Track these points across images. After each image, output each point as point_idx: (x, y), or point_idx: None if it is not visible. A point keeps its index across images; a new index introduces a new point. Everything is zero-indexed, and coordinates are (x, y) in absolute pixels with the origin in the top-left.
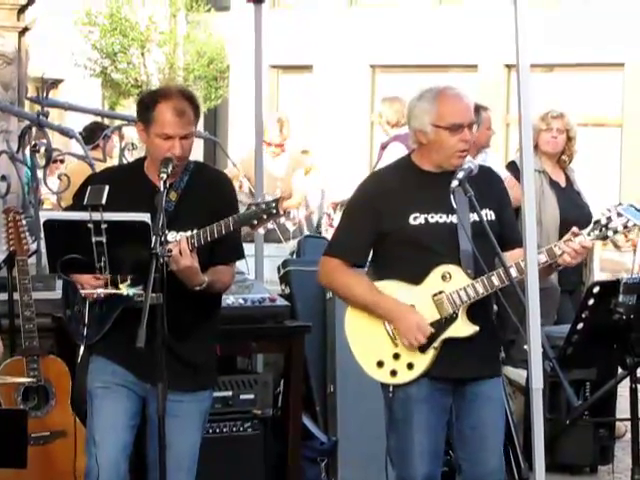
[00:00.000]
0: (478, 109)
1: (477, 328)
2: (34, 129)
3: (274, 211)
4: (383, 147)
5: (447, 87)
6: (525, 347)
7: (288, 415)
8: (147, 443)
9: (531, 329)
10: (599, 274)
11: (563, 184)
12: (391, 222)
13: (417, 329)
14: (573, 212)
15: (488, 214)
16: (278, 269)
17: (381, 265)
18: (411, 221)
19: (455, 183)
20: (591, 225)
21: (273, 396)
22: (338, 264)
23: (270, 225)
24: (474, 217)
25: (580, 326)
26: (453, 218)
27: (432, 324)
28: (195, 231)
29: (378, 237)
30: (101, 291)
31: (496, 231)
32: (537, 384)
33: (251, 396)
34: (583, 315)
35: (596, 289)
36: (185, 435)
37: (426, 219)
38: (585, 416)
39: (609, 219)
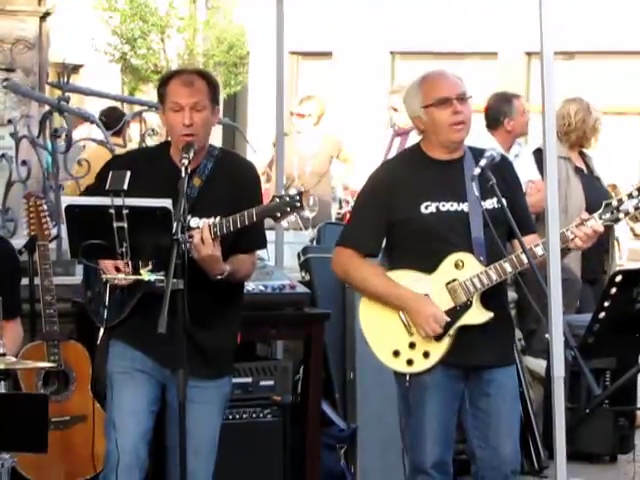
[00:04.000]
0: (510, 98)
1: (492, 314)
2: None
3: (298, 204)
4: (399, 134)
5: (431, 70)
6: (546, 336)
7: (307, 402)
8: (166, 429)
9: (553, 316)
10: (628, 264)
11: (585, 171)
12: (402, 211)
13: (433, 319)
14: (597, 198)
15: (498, 202)
16: (298, 256)
17: (394, 254)
18: (422, 210)
19: (477, 171)
20: (602, 208)
21: (292, 383)
22: (352, 254)
23: (292, 218)
24: (492, 204)
25: (602, 315)
26: (464, 206)
27: (446, 312)
28: (218, 220)
29: (390, 227)
30: (122, 277)
31: (507, 219)
32: (559, 373)
33: (271, 383)
34: (605, 304)
35: (618, 278)
36: (204, 421)
37: (437, 207)
38: (605, 405)
39: (620, 201)
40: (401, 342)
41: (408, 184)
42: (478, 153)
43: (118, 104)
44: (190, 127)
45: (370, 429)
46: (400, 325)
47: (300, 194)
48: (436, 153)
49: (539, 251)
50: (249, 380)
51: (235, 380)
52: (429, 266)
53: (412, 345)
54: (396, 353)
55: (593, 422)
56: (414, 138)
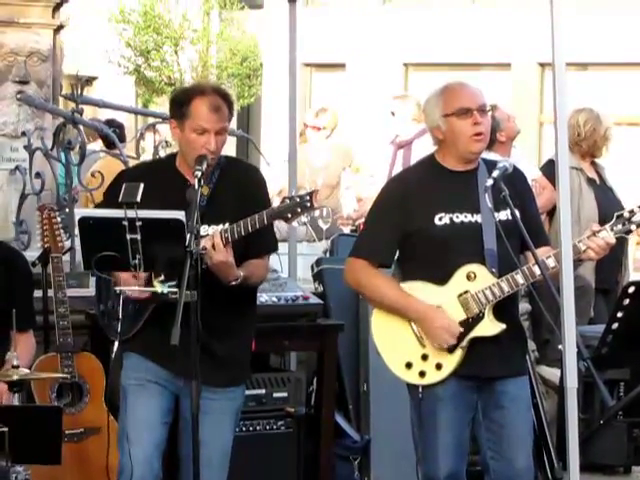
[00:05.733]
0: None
1: (504, 326)
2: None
3: (308, 204)
4: (400, 146)
5: (452, 81)
6: (560, 347)
7: (321, 413)
8: (180, 440)
9: (566, 328)
10: (633, 274)
11: (598, 181)
12: (416, 223)
13: (446, 331)
14: (610, 209)
15: (511, 213)
16: (311, 267)
17: (407, 265)
18: (436, 221)
19: (490, 182)
20: (614, 219)
21: (306, 394)
22: (364, 265)
23: (304, 218)
24: (505, 215)
25: (615, 326)
26: (478, 217)
27: (459, 324)
28: (227, 225)
29: (403, 238)
30: (136, 289)
31: (521, 230)
32: (572, 383)
33: (284, 394)
34: (618, 315)
35: (631, 289)
36: (217, 432)
37: (451, 219)
38: (619, 416)
39: (632, 212)
40: (413, 354)
41: (422, 195)
42: (491, 164)
43: (117, 116)
44: (214, 152)
45: (384, 440)
46: (412, 337)
47: (311, 194)
48: (451, 164)
49: (551, 263)
50: (262, 392)
51: (249, 392)
52: (441, 277)
53: (424, 357)
54: (408, 365)
55: (607, 433)
56: (417, 148)
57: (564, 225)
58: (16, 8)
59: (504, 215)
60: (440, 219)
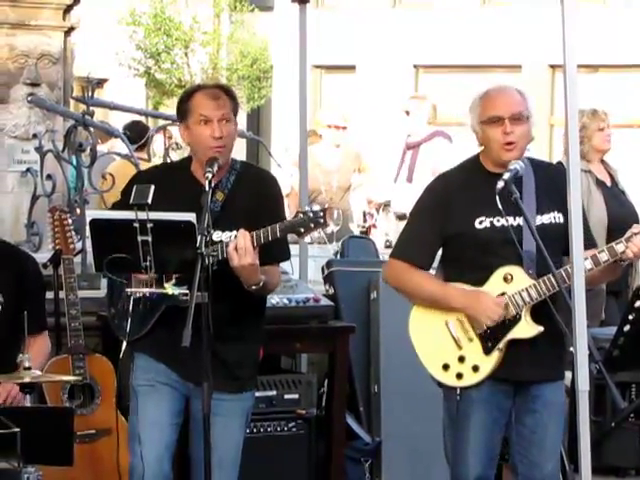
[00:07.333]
0: None
1: (541, 328)
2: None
3: (321, 221)
4: (409, 147)
5: (496, 85)
6: (571, 349)
7: (332, 415)
8: (191, 442)
9: (577, 331)
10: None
11: (609, 183)
12: (456, 226)
13: (494, 305)
14: (620, 211)
15: (555, 217)
16: (322, 269)
17: (447, 267)
18: (477, 225)
19: (500, 184)
20: None
21: (317, 396)
22: (405, 266)
23: (317, 234)
24: (550, 218)
25: (627, 328)
26: (520, 220)
27: (496, 326)
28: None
29: (444, 240)
30: (147, 290)
31: (564, 234)
32: (583, 386)
33: (295, 396)
34: (630, 317)
35: None
36: (228, 434)
37: (492, 222)
38: (631, 419)
39: None
40: (450, 356)
41: (464, 198)
42: (536, 164)
43: (142, 118)
44: (220, 139)
45: (395, 442)
46: (449, 338)
47: (324, 210)
48: (491, 167)
49: (587, 265)
50: (274, 393)
51: (259, 393)
52: (479, 280)
53: (461, 359)
54: (446, 367)
55: (618, 436)
56: (423, 151)
57: (575, 228)
58: (27, 10)
59: (547, 218)
60: (480, 223)
